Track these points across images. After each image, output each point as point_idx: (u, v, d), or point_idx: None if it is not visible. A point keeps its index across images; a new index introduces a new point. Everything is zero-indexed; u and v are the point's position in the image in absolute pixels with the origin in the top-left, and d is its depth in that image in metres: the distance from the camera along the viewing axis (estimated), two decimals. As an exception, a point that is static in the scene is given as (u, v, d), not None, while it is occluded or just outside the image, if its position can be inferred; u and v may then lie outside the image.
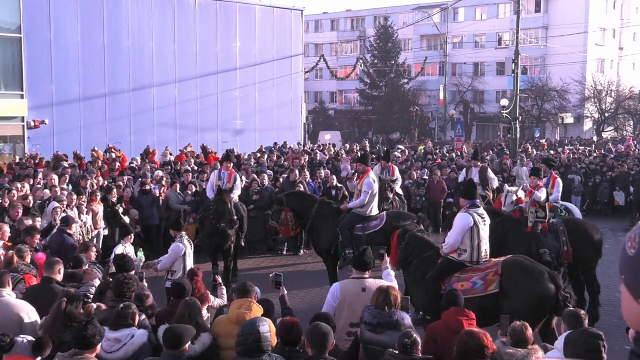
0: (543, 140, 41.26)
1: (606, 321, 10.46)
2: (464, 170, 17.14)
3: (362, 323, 6.06)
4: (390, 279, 7.23)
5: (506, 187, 14.10)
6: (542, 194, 11.27)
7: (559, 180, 13.60)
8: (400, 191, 15.89)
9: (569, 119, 55.74)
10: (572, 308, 7.08)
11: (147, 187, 15.86)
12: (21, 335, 5.24)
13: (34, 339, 5.21)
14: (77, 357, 5.10)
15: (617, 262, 1.95)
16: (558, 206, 13.02)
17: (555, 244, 11.14)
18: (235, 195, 13.68)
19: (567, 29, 50.67)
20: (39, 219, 10.65)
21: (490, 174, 16.19)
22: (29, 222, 10.26)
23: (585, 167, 23.79)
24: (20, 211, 11.16)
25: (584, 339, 5.03)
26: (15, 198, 12.36)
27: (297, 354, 5.34)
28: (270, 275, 7.05)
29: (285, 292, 6.88)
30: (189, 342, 5.44)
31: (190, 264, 9.56)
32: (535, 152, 29.90)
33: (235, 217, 12.65)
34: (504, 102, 35.74)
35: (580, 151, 31.22)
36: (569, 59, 51.56)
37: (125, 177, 16.92)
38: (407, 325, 5.96)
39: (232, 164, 14.27)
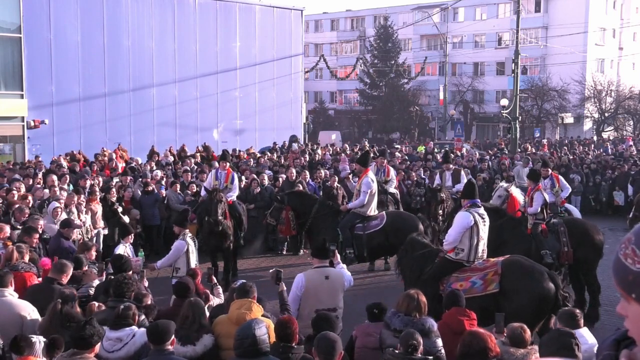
0: (544, 140, 41.24)
1: (606, 321, 10.46)
2: (438, 174, 17.05)
3: (388, 329, 6.04)
4: (343, 270, 7.70)
5: (502, 183, 14.14)
6: (537, 207, 11.43)
7: (562, 178, 13.80)
8: (394, 191, 15.86)
9: (569, 119, 55.72)
10: (568, 307, 7.09)
11: (150, 187, 15.85)
12: (34, 336, 5.23)
13: (45, 340, 5.19)
14: (76, 357, 5.10)
15: (617, 281, 1.82)
16: (558, 205, 13.07)
17: (556, 244, 11.16)
18: (233, 195, 13.67)
19: (567, 29, 50.64)
20: (42, 222, 10.61)
21: (464, 175, 16.16)
22: (40, 222, 10.27)
23: (587, 167, 23.81)
24: (27, 214, 11.18)
25: (556, 338, 5.07)
26: (15, 198, 12.36)
27: (291, 349, 5.35)
28: (271, 270, 7.16)
29: (285, 288, 6.98)
30: (173, 337, 5.42)
31: (194, 261, 9.58)
32: (533, 152, 29.86)
33: (221, 218, 12.46)
34: (504, 102, 35.76)
35: (579, 152, 31.19)
36: (569, 59, 51.54)
37: (128, 178, 16.88)
38: (436, 333, 5.99)
39: (228, 164, 14.28)
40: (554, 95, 53.26)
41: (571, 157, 26.61)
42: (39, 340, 5.17)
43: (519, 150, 30.83)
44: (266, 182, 16.91)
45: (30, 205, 12.25)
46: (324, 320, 5.84)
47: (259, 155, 24.56)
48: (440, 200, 13.86)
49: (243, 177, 17.14)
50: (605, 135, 50.92)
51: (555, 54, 54.08)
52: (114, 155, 21.58)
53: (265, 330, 5.20)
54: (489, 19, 59.26)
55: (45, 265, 8.37)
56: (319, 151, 27.55)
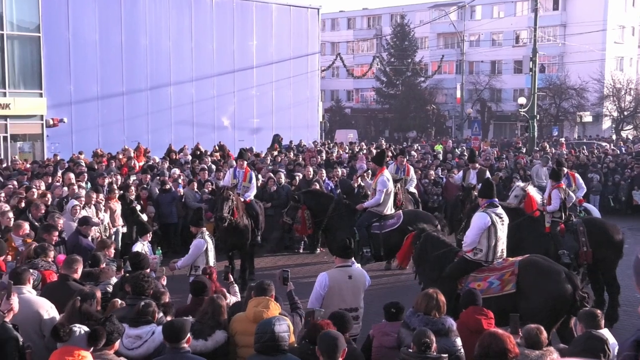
0: (562, 139, 40.91)
1: (626, 322, 10.36)
2: (461, 173, 16.93)
3: (407, 329, 6.01)
4: (359, 270, 7.72)
5: (519, 182, 14.05)
6: (555, 204, 11.44)
7: (578, 176, 13.75)
8: (414, 190, 15.81)
9: (587, 117, 55.23)
10: (588, 308, 7.02)
11: (167, 185, 15.91)
12: (77, 325, 5.19)
13: (89, 330, 5.15)
14: (96, 353, 5.12)
15: (637, 282, 1.80)
16: (576, 205, 12.99)
17: (575, 244, 11.08)
18: (251, 194, 13.69)
19: (585, 26, 50.22)
20: (62, 220, 10.69)
21: (488, 175, 16.05)
22: (60, 221, 10.35)
23: (605, 166, 23.59)
24: (43, 210, 11.26)
25: (583, 340, 5.00)
26: (34, 196, 12.46)
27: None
28: (277, 271, 7.20)
29: (293, 287, 7.00)
30: (189, 335, 5.41)
31: (212, 259, 9.59)
32: (553, 151, 29.58)
33: (226, 215, 12.37)
34: (522, 100, 35.52)
35: (599, 151, 30.89)
36: (587, 57, 51.09)
37: (148, 176, 16.94)
38: (456, 332, 5.96)
39: (246, 162, 14.30)
40: (572, 94, 52.84)
41: (589, 156, 26.34)
42: (80, 330, 5.14)
43: (537, 149, 30.55)
44: (283, 180, 16.90)
45: (49, 203, 12.35)
46: (337, 319, 5.81)
47: (275, 153, 24.57)
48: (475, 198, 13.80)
49: (260, 176, 17.15)
50: (624, 134, 50.39)
51: (574, 52, 53.63)
52: (132, 154, 21.69)
53: (287, 328, 5.20)
54: (506, 17, 58.90)
55: (59, 261, 8.43)
56: (335, 150, 27.50)
